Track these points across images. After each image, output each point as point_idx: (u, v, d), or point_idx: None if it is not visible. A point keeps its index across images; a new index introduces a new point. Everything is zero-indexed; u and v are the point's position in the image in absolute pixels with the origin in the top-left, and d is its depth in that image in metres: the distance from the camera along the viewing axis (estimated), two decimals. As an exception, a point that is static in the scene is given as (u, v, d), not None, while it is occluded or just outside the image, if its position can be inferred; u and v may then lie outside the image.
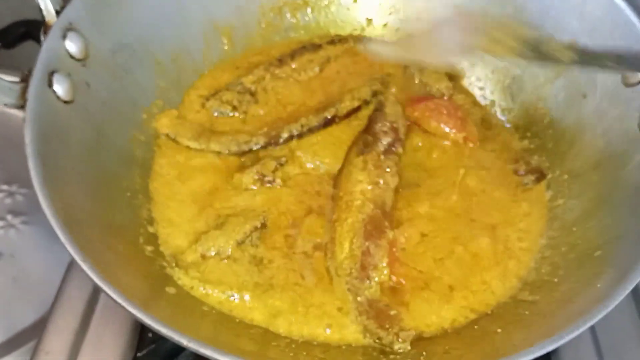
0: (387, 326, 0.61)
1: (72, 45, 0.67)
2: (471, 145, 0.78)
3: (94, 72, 0.69)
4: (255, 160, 0.74)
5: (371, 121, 0.77)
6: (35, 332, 0.71)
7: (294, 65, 0.83)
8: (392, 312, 0.62)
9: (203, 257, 0.66)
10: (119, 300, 0.50)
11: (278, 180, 0.72)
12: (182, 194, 0.71)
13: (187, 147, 0.75)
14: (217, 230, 0.67)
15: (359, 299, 0.63)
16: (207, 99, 0.80)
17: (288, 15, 0.88)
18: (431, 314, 0.63)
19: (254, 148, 0.75)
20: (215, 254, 0.66)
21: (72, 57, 0.67)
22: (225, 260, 0.66)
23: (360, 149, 0.74)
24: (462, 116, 0.79)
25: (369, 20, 0.90)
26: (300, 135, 0.76)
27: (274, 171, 0.72)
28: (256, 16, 0.86)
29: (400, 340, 0.59)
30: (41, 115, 0.61)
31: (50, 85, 0.63)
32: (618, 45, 0.71)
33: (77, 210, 0.58)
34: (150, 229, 0.68)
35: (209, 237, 0.66)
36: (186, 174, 0.73)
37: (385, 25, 0.90)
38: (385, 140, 0.74)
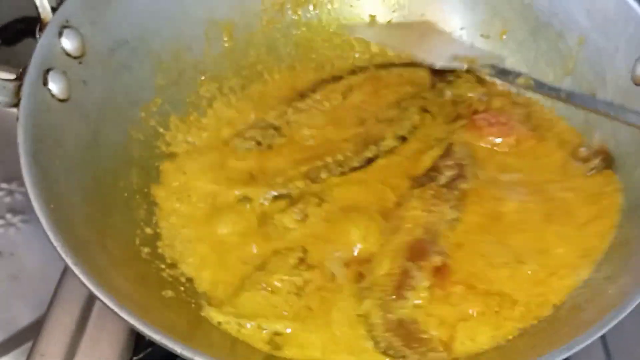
0: (415, 345, 0.57)
1: (68, 43, 0.65)
2: (528, 143, 0.76)
3: (90, 70, 0.67)
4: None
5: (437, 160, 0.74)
6: (35, 331, 0.69)
7: (317, 97, 0.81)
8: (424, 336, 0.59)
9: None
10: (111, 305, 0.49)
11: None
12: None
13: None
14: (260, 271, 0.64)
15: (389, 315, 0.60)
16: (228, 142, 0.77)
17: (290, 11, 0.86)
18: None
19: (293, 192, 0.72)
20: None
21: (68, 54, 0.65)
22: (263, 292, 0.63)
23: (419, 182, 0.71)
24: (505, 120, 0.77)
25: (372, 17, 0.88)
26: (341, 174, 0.73)
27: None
28: (257, 12, 0.85)
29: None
30: (35, 114, 0.59)
31: (45, 83, 0.62)
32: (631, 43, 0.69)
33: (70, 211, 0.57)
34: (148, 230, 0.67)
35: (254, 278, 0.64)
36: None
37: (389, 22, 0.88)
38: (448, 173, 0.72)
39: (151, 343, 0.64)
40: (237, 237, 0.68)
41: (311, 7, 0.87)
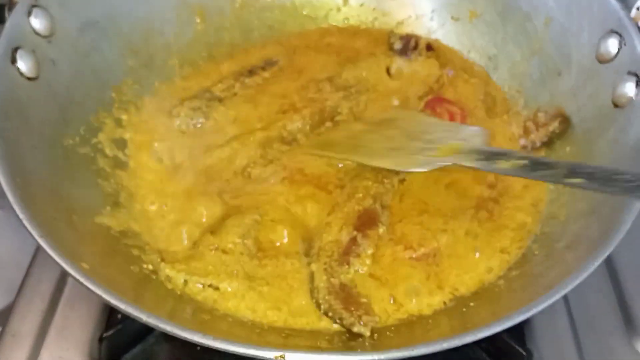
0: (352, 309, 0.60)
1: (37, 22, 0.65)
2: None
3: (59, 49, 0.68)
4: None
5: None
6: (6, 316, 0.69)
7: (266, 75, 0.82)
8: (363, 300, 0.61)
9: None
10: (78, 276, 0.49)
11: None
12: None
13: None
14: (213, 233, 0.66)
15: (332, 279, 0.62)
16: (174, 107, 0.77)
17: (262, -6, 0.87)
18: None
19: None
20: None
21: (37, 33, 0.65)
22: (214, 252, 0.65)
23: None
24: (463, 110, 0.79)
25: (346, 0, 0.89)
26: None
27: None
28: (230, -5, 0.85)
29: (361, 323, 0.58)
30: (3, 92, 0.60)
31: (13, 61, 0.62)
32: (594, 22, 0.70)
33: (37, 186, 0.57)
34: (116, 209, 0.67)
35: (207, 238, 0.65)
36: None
37: (362, 5, 0.89)
38: None
39: (122, 319, 0.65)
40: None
41: (284, -10, 0.88)
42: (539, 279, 0.56)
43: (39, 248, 0.70)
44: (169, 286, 0.61)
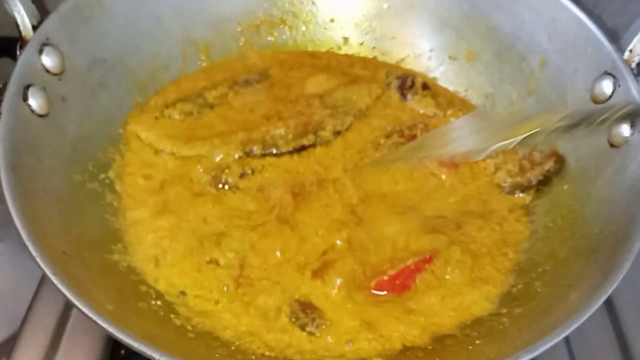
0: (308, 311, 0.64)
1: (48, 60, 0.67)
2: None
3: (69, 87, 0.69)
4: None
5: None
6: (7, 349, 0.69)
7: (260, 87, 0.84)
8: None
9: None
10: (90, 314, 0.49)
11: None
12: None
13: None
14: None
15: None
16: (167, 107, 0.79)
17: (265, 33, 0.89)
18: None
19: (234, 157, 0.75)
20: None
21: (48, 71, 0.67)
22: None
23: None
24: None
25: (346, 39, 0.91)
26: (276, 155, 0.76)
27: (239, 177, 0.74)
28: (234, 33, 0.87)
29: (314, 325, 0.63)
30: (15, 129, 0.60)
31: (25, 99, 0.63)
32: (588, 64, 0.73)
33: (49, 224, 0.58)
34: (121, 243, 0.68)
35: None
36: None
37: (361, 43, 0.91)
38: None
39: (127, 356, 0.65)
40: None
41: (286, 29, 0.90)
42: (544, 318, 0.57)
43: (42, 280, 0.72)
44: (177, 322, 0.62)
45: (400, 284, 0.67)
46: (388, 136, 0.80)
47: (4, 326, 0.73)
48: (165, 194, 0.72)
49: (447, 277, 0.66)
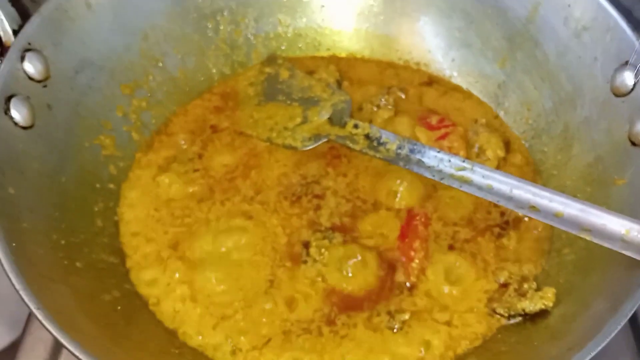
0: None
1: (31, 67, 0.64)
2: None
3: (55, 93, 0.66)
4: None
5: None
6: (12, 353, 0.68)
7: None
8: None
9: None
10: (76, 352, 0.47)
11: None
12: None
13: None
14: None
15: None
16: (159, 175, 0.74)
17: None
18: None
19: None
20: None
21: (31, 78, 0.64)
22: None
23: None
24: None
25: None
26: None
27: None
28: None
29: None
30: (-3, 147, 0.58)
31: (6, 111, 0.60)
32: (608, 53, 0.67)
33: (33, 247, 0.55)
34: (114, 260, 0.65)
35: None
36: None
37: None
38: None
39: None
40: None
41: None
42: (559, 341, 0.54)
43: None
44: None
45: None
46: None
47: (9, 330, 0.72)
48: None
49: None
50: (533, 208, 0.59)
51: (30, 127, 0.62)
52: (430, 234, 0.69)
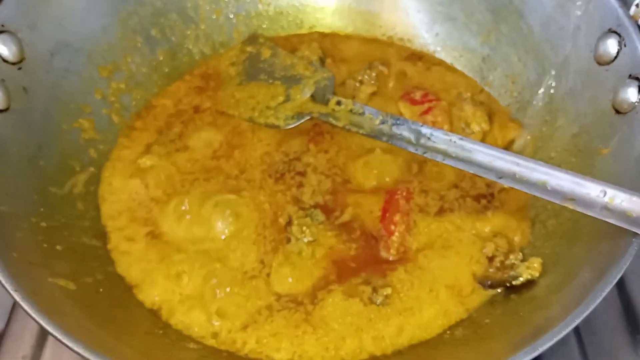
0: None
1: (5, 49, 0.62)
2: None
3: (31, 76, 0.65)
4: None
5: None
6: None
7: None
8: None
9: None
10: (57, 335, 0.46)
11: None
12: None
13: None
14: None
15: None
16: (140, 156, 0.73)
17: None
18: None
19: None
20: None
21: (5, 61, 0.62)
22: None
23: None
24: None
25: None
26: None
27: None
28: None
29: None
30: (-30, 130, 0.57)
31: (-20, 95, 0.59)
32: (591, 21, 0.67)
33: (14, 231, 0.54)
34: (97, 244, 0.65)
35: None
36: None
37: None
38: None
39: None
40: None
41: None
42: (545, 311, 0.54)
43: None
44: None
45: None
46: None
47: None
48: None
49: None
50: (517, 179, 0.58)
51: (6, 110, 0.61)
52: (413, 208, 0.69)
